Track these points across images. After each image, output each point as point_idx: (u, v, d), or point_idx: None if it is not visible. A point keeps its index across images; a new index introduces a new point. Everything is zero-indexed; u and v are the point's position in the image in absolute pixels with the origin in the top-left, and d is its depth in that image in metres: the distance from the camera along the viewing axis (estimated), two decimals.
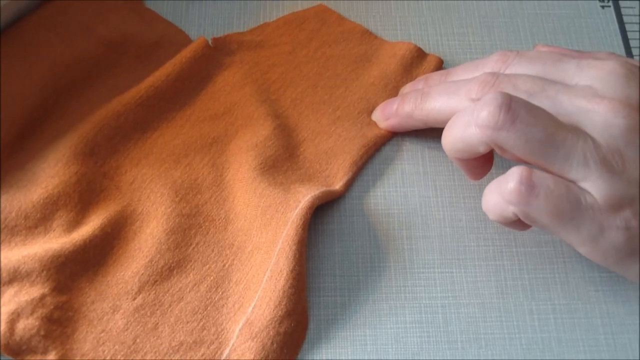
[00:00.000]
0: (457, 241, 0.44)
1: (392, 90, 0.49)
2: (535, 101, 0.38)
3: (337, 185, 0.45)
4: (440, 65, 0.50)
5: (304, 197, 0.43)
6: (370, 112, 0.48)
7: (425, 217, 0.44)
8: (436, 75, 0.47)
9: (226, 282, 0.42)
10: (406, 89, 0.48)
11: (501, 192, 0.38)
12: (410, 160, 0.47)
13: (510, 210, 0.38)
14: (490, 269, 0.43)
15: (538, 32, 0.52)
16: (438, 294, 0.42)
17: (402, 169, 0.46)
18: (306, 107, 0.48)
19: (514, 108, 0.37)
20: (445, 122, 0.41)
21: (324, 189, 0.44)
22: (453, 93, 0.42)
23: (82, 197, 0.43)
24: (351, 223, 0.44)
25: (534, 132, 0.36)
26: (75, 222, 0.43)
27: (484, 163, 0.42)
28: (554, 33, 0.52)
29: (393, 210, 0.45)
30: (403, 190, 0.45)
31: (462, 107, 0.41)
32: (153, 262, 0.42)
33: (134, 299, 0.41)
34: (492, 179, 0.43)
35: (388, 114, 0.46)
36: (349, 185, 0.45)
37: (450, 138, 0.40)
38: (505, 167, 0.46)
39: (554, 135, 0.37)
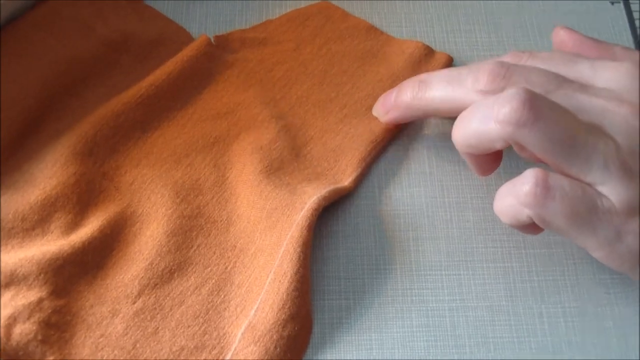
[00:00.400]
0: (465, 243, 0.43)
1: None
2: (552, 98, 0.38)
3: (346, 181, 0.44)
4: (449, 63, 0.49)
5: (310, 198, 0.42)
6: None
7: (431, 218, 0.44)
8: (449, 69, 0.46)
9: (228, 285, 0.41)
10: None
11: (516, 195, 0.37)
12: (416, 160, 0.46)
13: (525, 213, 0.37)
14: (499, 271, 0.43)
15: (546, 29, 0.51)
16: (445, 296, 0.42)
17: (408, 169, 0.46)
18: (312, 105, 0.48)
19: (538, 105, 0.36)
20: (447, 112, 0.41)
21: (331, 187, 0.43)
22: (456, 82, 0.41)
23: (80, 198, 0.43)
24: (356, 224, 0.44)
25: (556, 132, 0.36)
26: (73, 224, 0.42)
27: (494, 159, 0.42)
28: None
29: (399, 211, 0.44)
30: (409, 191, 0.45)
31: (468, 98, 0.40)
32: (153, 265, 0.41)
33: (134, 302, 0.40)
34: (500, 177, 0.44)
35: (388, 107, 0.45)
36: (358, 181, 0.45)
37: (464, 132, 0.39)
38: (513, 163, 0.46)
39: (575, 136, 0.36)
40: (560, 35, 0.43)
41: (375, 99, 0.48)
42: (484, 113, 0.38)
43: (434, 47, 0.50)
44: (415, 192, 0.45)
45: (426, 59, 0.49)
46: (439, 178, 0.46)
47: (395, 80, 0.48)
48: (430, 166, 0.46)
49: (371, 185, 0.45)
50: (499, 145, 0.38)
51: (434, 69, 0.48)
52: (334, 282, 0.42)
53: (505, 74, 0.40)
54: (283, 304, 0.39)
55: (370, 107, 0.48)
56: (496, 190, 0.40)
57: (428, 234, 0.44)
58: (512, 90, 0.37)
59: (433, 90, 0.42)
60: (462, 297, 0.42)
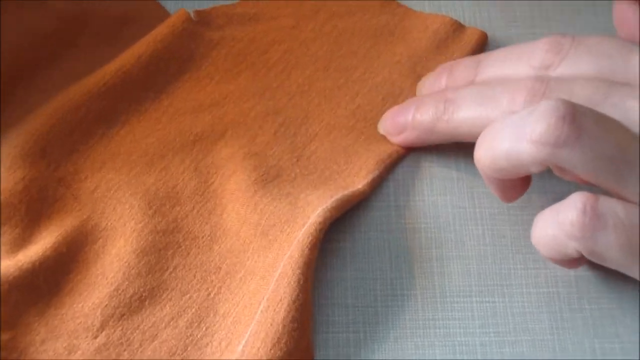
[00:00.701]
0: (500, 263, 0.43)
1: (423, 71, 0.48)
2: (600, 111, 0.37)
3: (360, 184, 0.44)
4: (483, 40, 0.48)
5: (314, 210, 0.42)
6: (397, 97, 0.47)
7: (459, 233, 0.43)
8: (463, 66, 0.45)
9: (211, 315, 0.40)
10: (430, 77, 0.46)
11: (559, 224, 0.37)
12: (440, 161, 0.46)
13: (572, 246, 0.37)
14: (542, 297, 0.42)
15: (602, 2, 0.50)
16: (476, 329, 0.41)
17: (431, 172, 0.45)
18: (317, 95, 0.47)
19: (579, 119, 0.35)
20: (478, 137, 0.40)
21: (340, 194, 0.43)
22: (489, 101, 0.41)
23: (30, 208, 0.42)
24: (367, 240, 0.43)
25: (603, 148, 0.35)
26: (21, 240, 0.42)
27: (523, 182, 0.41)
28: None
29: (419, 224, 0.44)
30: (432, 199, 0.44)
31: None
32: (120, 291, 0.41)
33: (96, 337, 0.39)
34: (544, 183, 0.44)
35: (402, 126, 0.44)
36: (375, 185, 0.44)
37: (491, 154, 0.38)
38: (547, 183, 0.44)
39: (627, 150, 0.36)
40: (622, 10, 0.42)
41: (392, 85, 0.47)
42: (514, 130, 0.37)
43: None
44: (440, 201, 0.45)
45: (455, 37, 0.49)
46: (469, 184, 0.45)
47: (417, 63, 0.48)
48: (458, 169, 0.45)
49: (386, 193, 0.45)
50: (534, 169, 0.37)
51: (464, 49, 0.48)
52: (340, 311, 0.41)
53: (545, 91, 0.40)
54: (278, 338, 0.38)
55: (387, 95, 0.47)
56: (539, 198, 0.41)
57: (455, 252, 0.43)
58: (547, 103, 0.36)
59: (462, 111, 0.42)
60: (497, 329, 0.41)
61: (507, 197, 0.42)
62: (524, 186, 0.41)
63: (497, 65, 0.44)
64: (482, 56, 0.45)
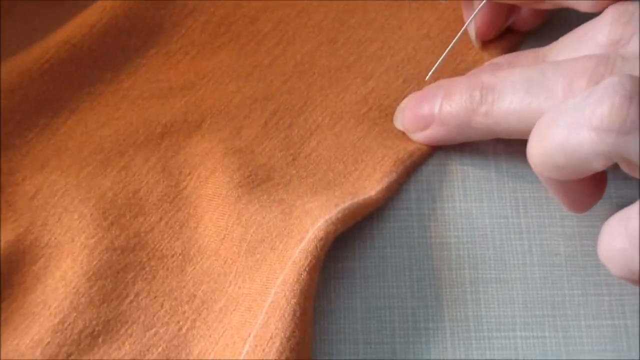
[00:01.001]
0: (552, 288, 0.40)
1: (459, 46, 0.46)
2: None
3: (372, 191, 0.42)
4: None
5: (314, 222, 0.40)
6: (423, 81, 0.45)
7: (499, 249, 0.42)
8: (528, 56, 0.44)
9: (183, 356, 0.39)
10: (486, 68, 0.45)
11: (629, 235, 0.35)
12: (475, 158, 0.44)
13: None
14: (606, 331, 0.39)
15: None
16: None
17: (464, 172, 0.43)
18: (320, 76, 0.46)
19: None
20: (525, 134, 0.38)
21: (348, 203, 0.41)
22: (539, 89, 0.39)
23: None
24: (382, 259, 0.41)
25: None
26: None
27: (593, 184, 0.39)
28: None
29: (449, 238, 0.42)
30: (465, 207, 0.43)
31: None
32: (66, 325, 0.39)
33: None
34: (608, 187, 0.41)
35: (425, 120, 0.43)
36: (392, 191, 0.43)
37: (545, 149, 0.36)
38: (612, 184, 0.43)
39: None
40: None
41: (417, 64, 0.46)
42: (572, 118, 0.36)
43: None
44: (475, 209, 0.43)
45: None
46: (512, 187, 0.43)
47: (451, 37, 0.46)
48: (497, 168, 0.44)
49: (406, 199, 0.43)
50: (597, 165, 0.35)
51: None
52: (347, 349, 0.39)
53: (612, 74, 0.38)
54: None
55: (410, 78, 0.45)
56: (602, 205, 0.39)
57: (494, 273, 0.41)
58: (610, 81, 0.35)
59: (505, 101, 0.40)
60: None
61: (575, 205, 0.40)
62: (596, 189, 0.40)
63: (562, 52, 0.42)
64: (545, 51, 0.43)
